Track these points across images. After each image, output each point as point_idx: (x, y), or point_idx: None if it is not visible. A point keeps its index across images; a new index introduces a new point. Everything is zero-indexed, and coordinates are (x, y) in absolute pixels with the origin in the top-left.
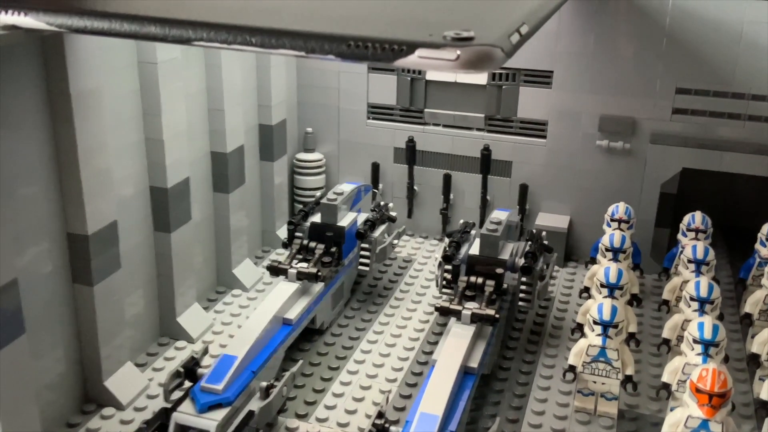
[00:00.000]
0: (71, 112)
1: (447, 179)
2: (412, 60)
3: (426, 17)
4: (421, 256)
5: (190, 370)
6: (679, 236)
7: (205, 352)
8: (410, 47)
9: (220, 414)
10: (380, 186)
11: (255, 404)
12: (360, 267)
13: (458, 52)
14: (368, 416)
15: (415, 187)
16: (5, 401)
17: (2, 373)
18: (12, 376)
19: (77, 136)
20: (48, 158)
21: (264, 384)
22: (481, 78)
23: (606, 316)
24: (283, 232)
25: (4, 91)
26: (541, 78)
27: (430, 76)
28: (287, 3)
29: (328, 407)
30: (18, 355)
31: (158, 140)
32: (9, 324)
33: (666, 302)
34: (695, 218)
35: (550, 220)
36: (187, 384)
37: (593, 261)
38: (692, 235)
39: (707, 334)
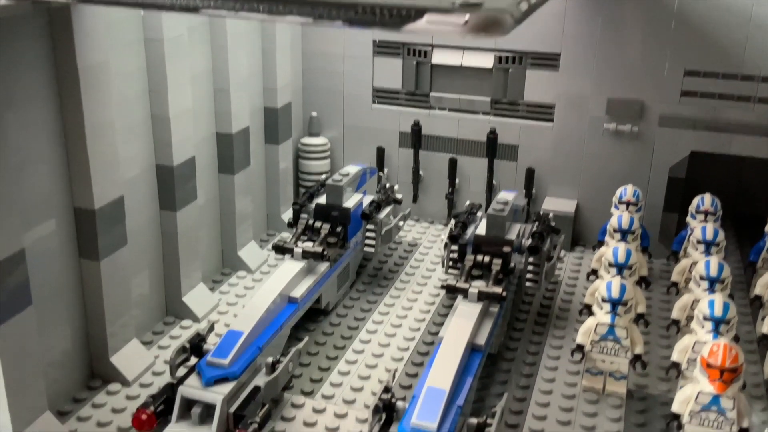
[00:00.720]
0: (78, 85)
1: (453, 164)
2: (421, 25)
3: None
4: (426, 241)
5: (196, 345)
6: (688, 219)
7: (211, 329)
8: (418, 12)
9: (226, 388)
10: (385, 170)
11: (261, 379)
12: (365, 248)
13: (467, 17)
14: (374, 393)
15: (421, 172)
16: (12, 373)
17: (9, 343)
18: (19, 348)
19: (84, 110)
20: (56, 132)
21: (270, 359)
22: (487, 61)
23: (615, 294)
24: (288, 217)
25: (12, 64)
26: (548, 61)
27: (436, 59)
28: None
29: (333, 385)
30: (25, 327)
31: (164, 118)
32: (16, 295)
33: (675, 284)
34: (704, 200)
35: (556, 204)
36: (193, 360)
37: (601, 244)
38: (701, 217)
39: (718, 311)
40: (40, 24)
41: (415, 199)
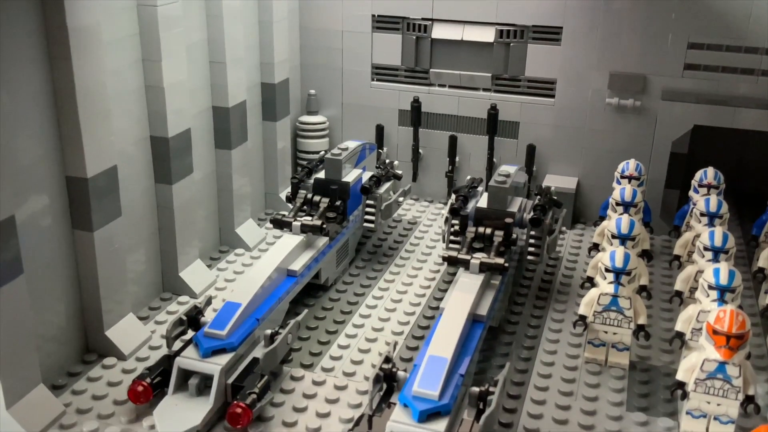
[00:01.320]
0: (69, 47)
1: (453, 141)
2: None
3: None
4: (426, 219)
5: (193, 318)
6: (691, 193)
7: (209, 302)
8: None
9: (224, 359)
10: (385, 148)
11: (259, 351)
12: (365, 224)
13: None
14: (374, 366)
15: (420, 150)
16: (4, 344)
17: (1, 313)
18: (11, 318)
19: (75, 73)
20: (46, 97)
21: (268, 331)
22: (488, 35)
23: (618, 263)
24: (286, 193)
25: (2, 26)
26: (549, 35)
27: (436, 34)
28: None
29: (333, 358)
30: (17, 296)
31: (159, 87)
32: (7, 263)
33: (677, 257)
34: (707, 173)
35: (558, 181)
36: (190, 333)
37: (602, 220)
38: (704, 191)
39: (723, 280)
40: None
41: (414, 177)
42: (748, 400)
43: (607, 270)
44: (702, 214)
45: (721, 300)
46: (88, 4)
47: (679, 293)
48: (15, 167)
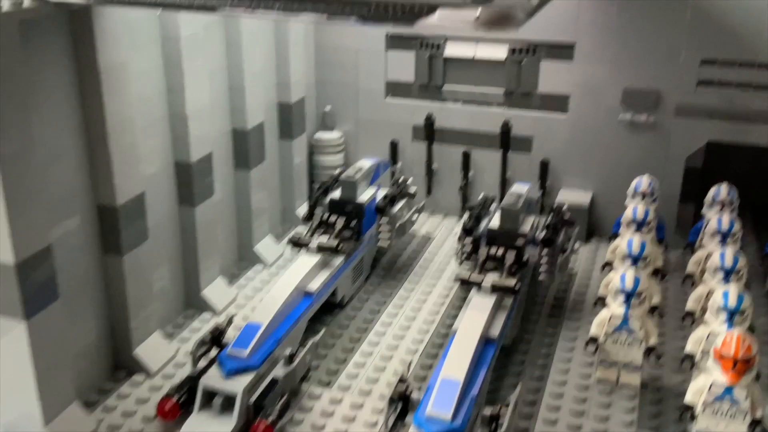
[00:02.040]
0: (100, 85)
1: (466, 156)
2: (433, 21)
3: None
4: (440, 234)
5: (216, 338)
6: (705, 209)
7: (230, 322)
8: (431, 8)
9: (245, 379)
10: (399, 164)
11: (279, 371)
12: (379, 242)
13: (478, 12)
14: (390, 384)
15: (434, 165)
16: (41, 365)
17: (38, 336)
18: (47, 341)
19: (106, 109)
20: (78, 132)
21: (288, 351)
22: (500, 53)
23: (629, 285)
24: (302, 211)
25: (36, 64)
26: (562, 51)
27: (449, 52)
28: None
29: (350, 376)
30: (53, 321)
31: (182, 115)
32: (44, 290)
33: (690, 276)
34: (721, 190)
35: (571, 196)
36: (214, 352)
37: (615, 236)
38: (718, 207)
39: (732, 302)
40: (62, 25)
41: (428, 192)
42: (755, 423)
43: (617, 292)
44: (715, 233)
45: (730, 322)
46: (118, 43)
47: (690, 313)
48: (51, 198)
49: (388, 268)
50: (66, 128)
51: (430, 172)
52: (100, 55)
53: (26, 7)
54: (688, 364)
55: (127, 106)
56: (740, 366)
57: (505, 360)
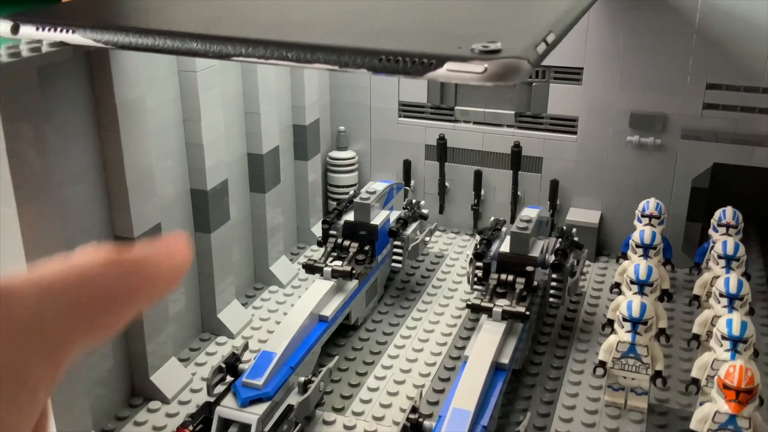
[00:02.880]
0: (117, 121)
1: (478, 176)
2: (441, 73)
3: (454, 28)
4: (453, 252)
5: (232, 365)
6: (710, 231)
7: (245, 347)
8: (439, 61)
9: (260, 408)
10: (412, 183)
11: (294, 399)
12: (393, 264)
13: (486, 65)
14: (402, 410)
15: (447, 184)
16: (58, 394)
17: None
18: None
19: (123, 144)
20: (95, 165)
21: (302, 379)
22: None
23: (635, 314)
24: (317, 230)
25: (56, 103)
26: (571, 75)
27: None
28: (321, 18)
29: (363, 401)
30: None
31: (198, 145)
32: None
33: (697, 297)
34: (726, 213)
35: (581, 215)
36: (229, 379)
37: (624, 256)
38: (723, 230)
39: (735, 331)
40: (81, 65)
41: (441, 210)
42: None
43: (624, 319)
44: (720, 257)
45: (734, 351)
46: (134, 81)
47: (696, 337)
48: (68, 229)
49: (401, 288)
50: (84, 162)
51: (442, 191)
52: (117, 93)
53: (45, 52)
54: (694, 388)
55: (143, 140)
56: (743, 396)
57: (516, 383)
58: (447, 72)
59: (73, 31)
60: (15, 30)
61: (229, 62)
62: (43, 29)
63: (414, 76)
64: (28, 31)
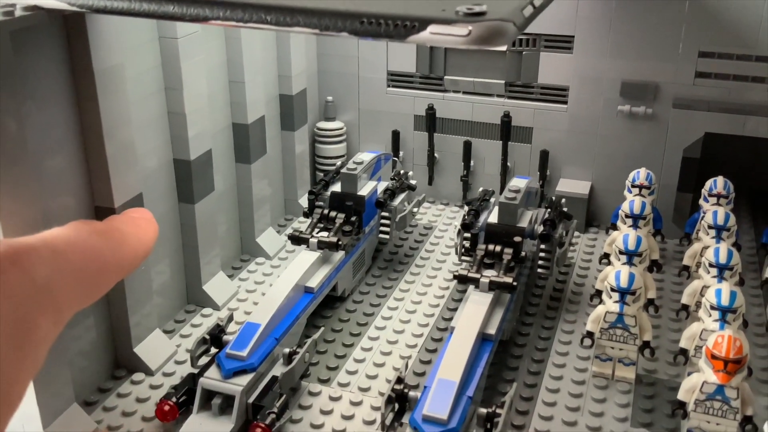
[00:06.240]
0: (95, 88)
1: (467, 146)
2: (425, 36)
3: None
4: (441, 224)
5: (216, 337)
6: (701, 201)
7: (230, 319)
8: (422, 23)
9: (244, 379)
10: (401, 154)
11: (278, 370)
12: (380, 235)
13: (470, 28)
14: (389, 381)
15: (436, 155)
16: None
17: None
18: None
19: (101, 112)
20: (74, 134)
21: (287, 350)
22: None
23: (623, 283)
24: (305, 201)
25: (29, 70)
26: (561, 43)
27: None
28: None
29: (349, 372)
30: None
31: (180, 114)
32: None
33: (686, 268)
34: (717, 183)
35: (571, 186)
36: (213, 350)
37: (614, 227)
38: (714, 200)
39: (724, 301)
40: (56, 30)
41: (430, 181)
42: (747, 420)
43: (612, 289)
44: (710, 227)
45: (723, 320)
46: (113, 46)
47: (685, 307)
48: (47, 200)
49: (389, 260)
50: (62, 131)
51: (431, 162)
52: (95, 59)
53: (19, 16)
54: (682, 359)
55: (123, 108)
56: (731, 366)
57: (503, 354)
58: (430, 35)
59: None
60: None
61: (212, 29)
62: None
63: (396, 39)
64: None
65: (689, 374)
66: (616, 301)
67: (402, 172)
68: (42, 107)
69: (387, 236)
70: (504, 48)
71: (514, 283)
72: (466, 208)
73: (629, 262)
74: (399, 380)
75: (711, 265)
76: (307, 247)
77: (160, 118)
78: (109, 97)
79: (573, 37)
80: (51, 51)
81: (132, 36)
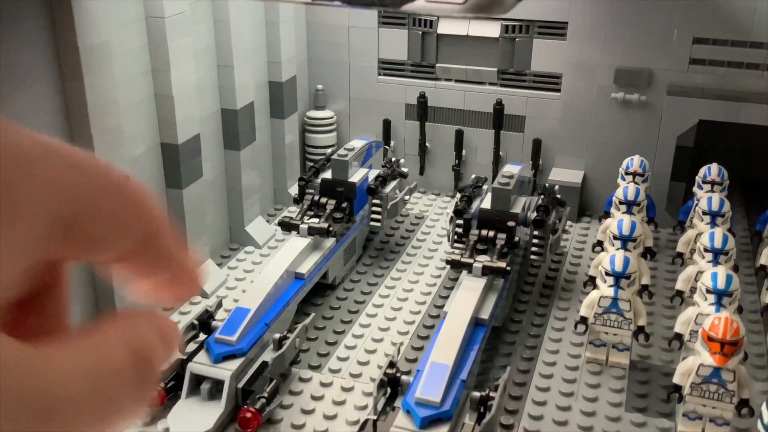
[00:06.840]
0: (80, 66)
1: (459, 135)
2: (420, 4)
3: None
4: (433, 213)
5: (205, 322)
6: (695, 189)
7: (219, 305)
8: None
9: (234, 364)
10: (392, 143)
11: (268, 355)
12: (371, 223)
13: None
14: (380, 367)
15: (427, 144)
16: None
17: None
18: None
19: (87, 92)
20: (59, 114)
21: (277, 336)
22: (493, 30)
23: (618, 267)
24: (294, 191)
25: (12, 46)
26: (555, 30)
27: (442, 29)
28: None
29: (340, 359)
30: None
31: (168, 96)
32: None
33: (680, 255)
34: (711, 170)
35: (563, 175)
36: (202, 336)
37: (607, 215)
38: (708, 187)
39: (720, 284)
40: (40, 4)
41: (421, 171)
42: (743, 403)
43: (607, 273)
44: (704, 213)
45: (719, 304)
46: (98, 23)
47: (680, 293)
48: None
49: (380, 248)
50: (46, 110)
51: (423, 151)
52: (80, 36)
53: None
54: (677, 343)
55: (109, 88)
56: (728, 348)
57: (496, 341)
58: (426, 3)
59: None
60: None
61: (200, 10)
62: None
63: (391, 7)
64: None
65: (684, 359)
66: (610, 286)
67: (393, 159)
68: (23, 85)
69: (378, 224)
70: (504, 13)
71: (508, 268)
72: (458, 194)
73: (623, 247)
74: (391, 364)
75: (706, 250)
76: (298, 233)
77: (147, 100)
78: (95, 76)
79: (566, 23)
80: (33, 25)
81: (118, 14)
